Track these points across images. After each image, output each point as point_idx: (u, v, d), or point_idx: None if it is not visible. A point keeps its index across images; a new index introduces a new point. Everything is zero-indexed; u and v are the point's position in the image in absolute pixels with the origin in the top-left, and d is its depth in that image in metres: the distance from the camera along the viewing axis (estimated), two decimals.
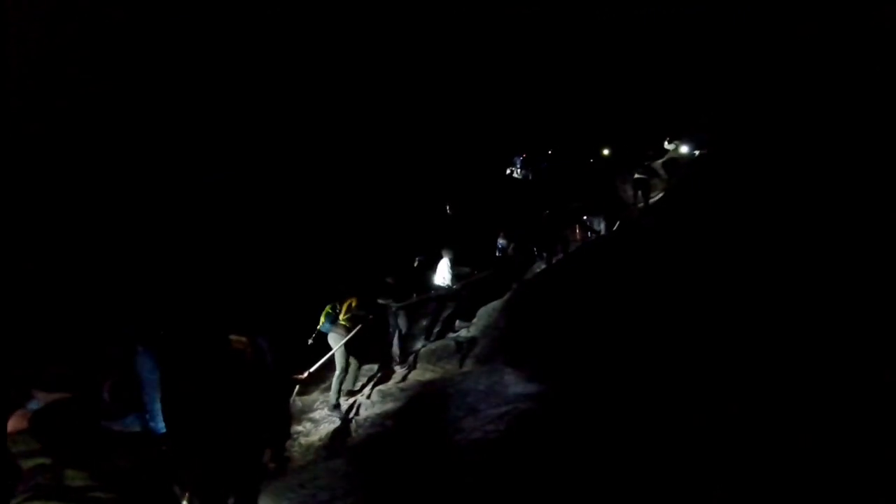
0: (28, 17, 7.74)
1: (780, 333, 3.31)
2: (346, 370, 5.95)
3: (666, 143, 16.32)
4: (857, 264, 3.47)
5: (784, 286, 3.78)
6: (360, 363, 6.18)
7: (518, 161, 17.26)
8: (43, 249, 6.62)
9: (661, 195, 11.90)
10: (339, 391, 5.87)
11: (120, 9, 9.55)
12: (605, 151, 21.46)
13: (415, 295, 7.42)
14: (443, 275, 7.73)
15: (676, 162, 15.00)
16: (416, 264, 7.88)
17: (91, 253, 7.11)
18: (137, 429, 3.00)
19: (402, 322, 7.17)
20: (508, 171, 17.26)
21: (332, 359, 6.01)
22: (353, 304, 6.10)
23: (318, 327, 6.09)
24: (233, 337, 4.08)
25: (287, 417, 5.63)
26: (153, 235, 8.20)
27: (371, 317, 6.36)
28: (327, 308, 6.16)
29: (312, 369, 6.00)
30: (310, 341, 6.16)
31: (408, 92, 15.89)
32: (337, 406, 5.78)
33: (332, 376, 6.06)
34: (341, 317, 6.03)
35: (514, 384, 4.63)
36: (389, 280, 7.07)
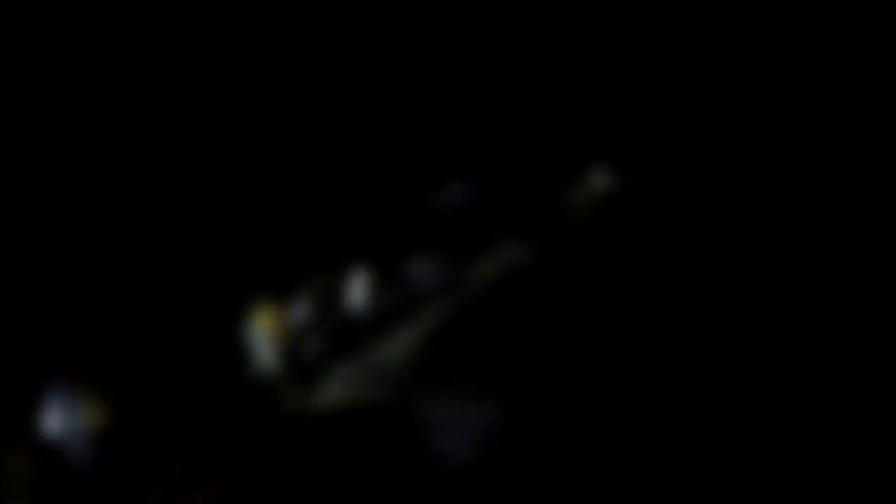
0: (28, 16, 7.19)
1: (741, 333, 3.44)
2: None
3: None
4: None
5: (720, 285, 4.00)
6: None
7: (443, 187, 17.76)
8: (41, 250, 6.08)
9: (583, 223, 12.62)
10: None
11: (120, 8, 9.03)
12: None
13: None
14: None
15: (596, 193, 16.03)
16: None
17: (90, 253, 6.57)
18: None
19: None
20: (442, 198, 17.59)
21: None
22: None
23: None
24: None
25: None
26: (151, 235, 7.70)
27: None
28: None
29: None
30: None
31: (345, 111, 15.87)
32: None
33: None
34: None
35: (429, 415, 4.60)
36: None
